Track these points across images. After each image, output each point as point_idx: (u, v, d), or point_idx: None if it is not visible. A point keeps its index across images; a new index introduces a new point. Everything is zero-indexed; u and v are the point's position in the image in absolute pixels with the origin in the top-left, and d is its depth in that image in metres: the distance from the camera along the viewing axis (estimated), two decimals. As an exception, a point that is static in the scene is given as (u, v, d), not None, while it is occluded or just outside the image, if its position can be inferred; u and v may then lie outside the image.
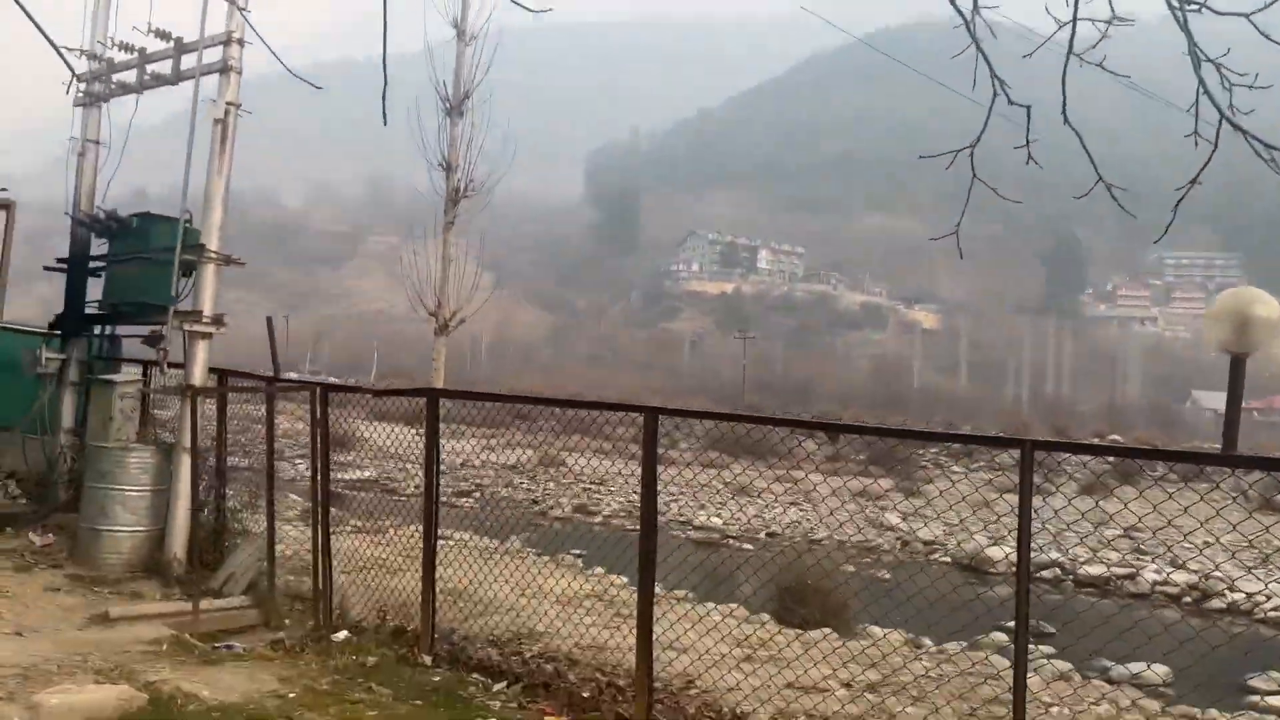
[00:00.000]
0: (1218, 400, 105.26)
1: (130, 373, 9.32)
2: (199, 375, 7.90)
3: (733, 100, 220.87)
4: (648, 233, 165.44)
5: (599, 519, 25.48)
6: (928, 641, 14.04)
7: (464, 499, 26.58)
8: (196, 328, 7.94)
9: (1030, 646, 14.96)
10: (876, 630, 11.02)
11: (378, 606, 6.11)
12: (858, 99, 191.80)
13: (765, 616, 9.33)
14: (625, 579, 9.11)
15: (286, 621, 6.20)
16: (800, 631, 7.43)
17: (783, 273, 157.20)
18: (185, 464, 7.46)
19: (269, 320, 7.06)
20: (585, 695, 5.16)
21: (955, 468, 34.21)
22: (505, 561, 6.46)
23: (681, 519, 27.10)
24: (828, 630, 8.60)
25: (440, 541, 9.74)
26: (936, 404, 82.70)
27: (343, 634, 6.03)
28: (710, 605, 8.23)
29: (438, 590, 5.99)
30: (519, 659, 5.64)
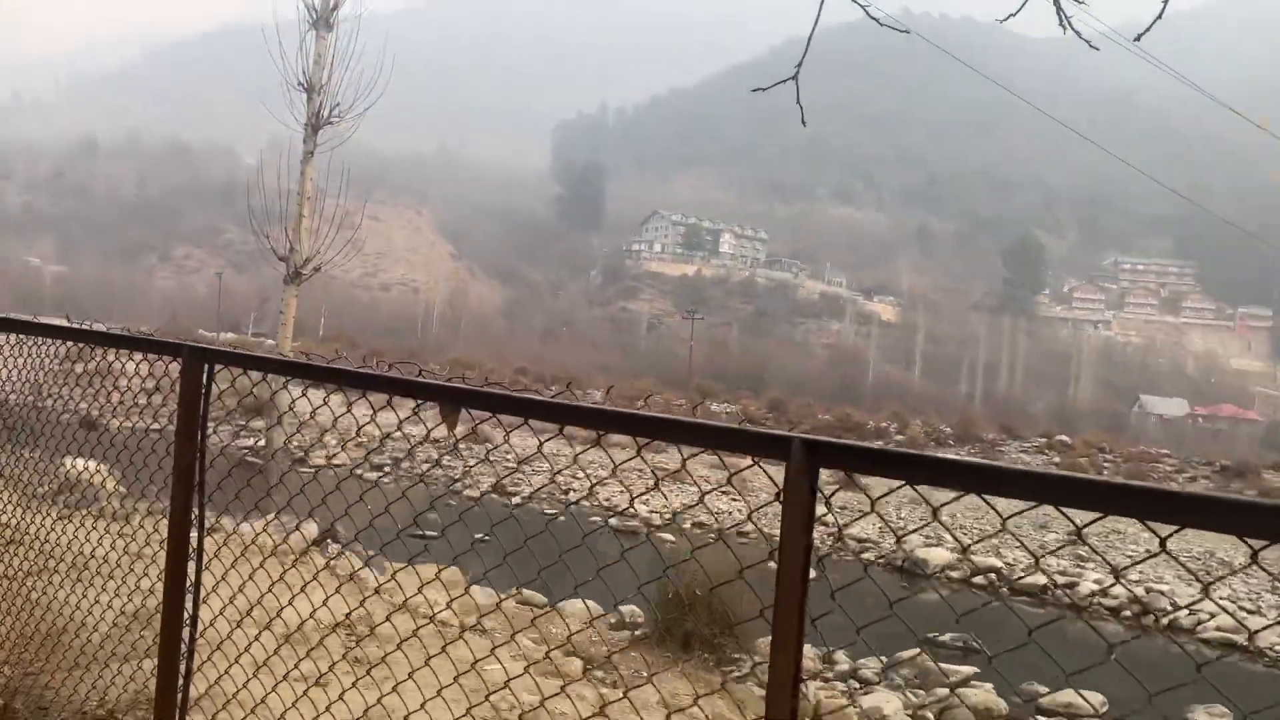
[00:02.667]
0: (1165, 406, 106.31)
1: None
2: None
3: (707, 81, 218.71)
4: (612, 210, 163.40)
5: (516, 499, 24.02)
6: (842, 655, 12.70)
7: (375, 472, 25.20)
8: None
9: (955, 667, 13.40)
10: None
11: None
12: (833, 88, 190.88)
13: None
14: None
15: None
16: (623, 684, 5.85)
17: (745, 258, 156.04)
18: None
19: None
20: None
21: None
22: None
23: (607, 506, 25.72)
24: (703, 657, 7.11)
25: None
26: (888, 397, 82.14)
27: None
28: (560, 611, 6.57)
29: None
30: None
